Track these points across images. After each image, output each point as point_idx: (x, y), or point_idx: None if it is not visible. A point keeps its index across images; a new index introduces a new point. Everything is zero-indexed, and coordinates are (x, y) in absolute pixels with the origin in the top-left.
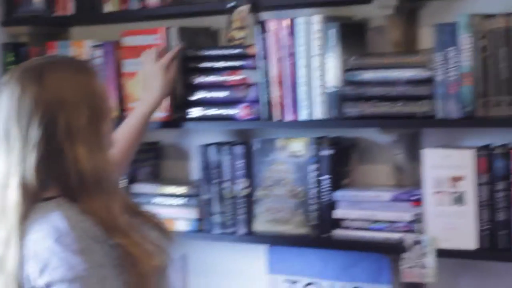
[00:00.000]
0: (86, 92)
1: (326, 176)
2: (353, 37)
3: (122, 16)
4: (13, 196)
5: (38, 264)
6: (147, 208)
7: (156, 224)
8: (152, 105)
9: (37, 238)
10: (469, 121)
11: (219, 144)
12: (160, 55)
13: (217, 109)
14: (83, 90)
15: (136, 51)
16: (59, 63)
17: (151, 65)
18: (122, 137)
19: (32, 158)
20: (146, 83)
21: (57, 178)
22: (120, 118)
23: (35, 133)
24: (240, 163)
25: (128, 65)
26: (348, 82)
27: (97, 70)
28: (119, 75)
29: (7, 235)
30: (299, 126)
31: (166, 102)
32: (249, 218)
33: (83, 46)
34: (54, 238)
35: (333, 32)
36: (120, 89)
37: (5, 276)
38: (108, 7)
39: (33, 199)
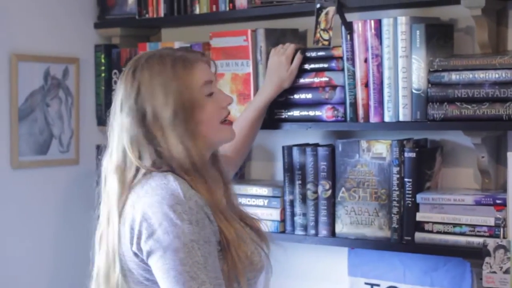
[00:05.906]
0: (172, 85)
1: (409, 179)
2: (440, 38)
3: (211, 18)
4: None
5: (147, 228)
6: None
7: (254, 226)
8: (270, 95)
9: (151, 201)
10: None
11: (303, 146)
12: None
13: (302, 110)
14: (169, 83)
15: (224, 52)
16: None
17: (277, 56)
18: (239, 130)
19: (126, 139)
20: (269, 75)
21: (159, 157)
22: None
23: (125, 119)
24: (323, 164)
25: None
26: (433, 84)
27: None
28: None
29: (108, 211)
30: (383, 128)
31: None
32: (331, 220)
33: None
34: (170, 204)
35: (419, 33)
36: None
37: (106, 250)
38: (198, 9)
39: (135, 172)
